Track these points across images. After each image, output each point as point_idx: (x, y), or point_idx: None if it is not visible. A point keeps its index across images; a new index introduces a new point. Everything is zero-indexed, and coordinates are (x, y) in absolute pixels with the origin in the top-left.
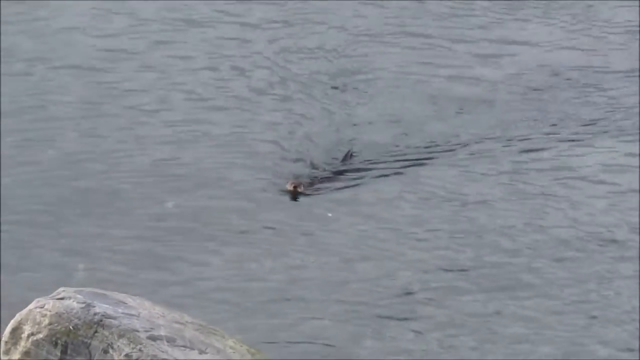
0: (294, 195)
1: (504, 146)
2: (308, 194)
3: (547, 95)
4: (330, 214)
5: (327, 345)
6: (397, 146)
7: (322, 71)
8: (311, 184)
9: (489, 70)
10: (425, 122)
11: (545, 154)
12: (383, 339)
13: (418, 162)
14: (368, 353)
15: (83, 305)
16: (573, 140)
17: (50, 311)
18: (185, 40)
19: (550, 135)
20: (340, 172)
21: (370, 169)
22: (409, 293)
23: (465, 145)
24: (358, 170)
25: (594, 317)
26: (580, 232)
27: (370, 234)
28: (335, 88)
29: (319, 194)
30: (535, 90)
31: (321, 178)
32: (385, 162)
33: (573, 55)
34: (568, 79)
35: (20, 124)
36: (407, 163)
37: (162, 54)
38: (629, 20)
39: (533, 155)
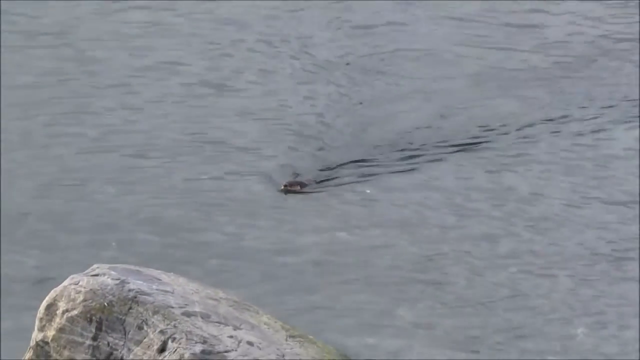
0: (287, 193)
1: (548, 126)
2: (306, 192)
3: (591, 70)
4: (368, 191)
5: (363, 316)
6: (438, 128)
7: (357, 50)
8: (309, 182)
9: (529, 44)
10: (464, 102)
11: (589, 132)
12: (418, 309)
13: (459, 146)
14: (404, 322)
15: (117, 281)
16: (623, 120)
17: (84, 288)
18: (216, 20)
19: (598, 113)
20: (368, 160)
21: (414, 153)
22: (445, 262)
23: (506, 124)
24: (408, 155)
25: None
26: (623, 207)
27: (407, 211)
28: (370, 69)
29: (321, 192)
30: (584, 59)
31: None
32: (428, 145)
33: (616, 27)
34: (614, 53)
35: (56, 97)
36: (448, 146)
37: (193, 31)
38: None
39: (577, 133)
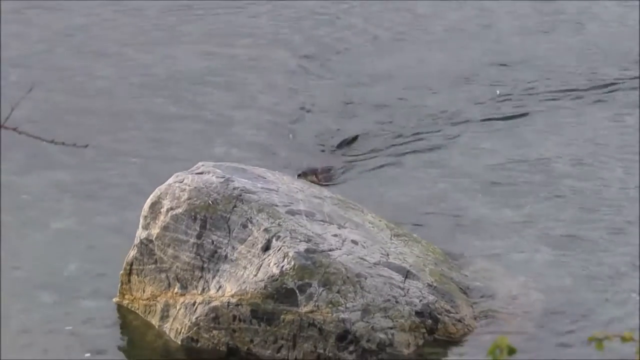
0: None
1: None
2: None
3: None
4: (498, 92)
5: (466, 217)
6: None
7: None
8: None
9: None
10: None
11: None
12: (521, 208)
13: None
14: (506, 223)
15: (222, 179)
16: None
17: (189, 186)
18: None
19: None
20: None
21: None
22: (548, 167)
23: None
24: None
25: None
26: None
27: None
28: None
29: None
30: None
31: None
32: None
33: None
34: None
35: None
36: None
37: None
38: None
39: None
